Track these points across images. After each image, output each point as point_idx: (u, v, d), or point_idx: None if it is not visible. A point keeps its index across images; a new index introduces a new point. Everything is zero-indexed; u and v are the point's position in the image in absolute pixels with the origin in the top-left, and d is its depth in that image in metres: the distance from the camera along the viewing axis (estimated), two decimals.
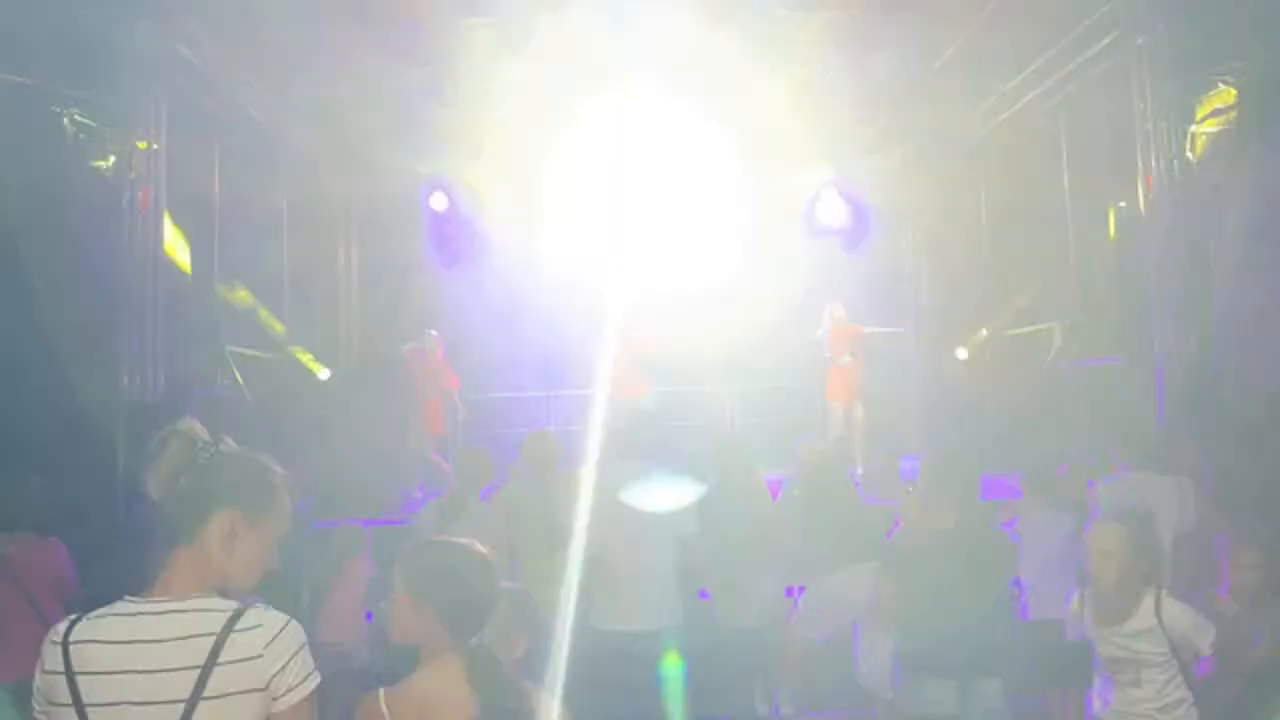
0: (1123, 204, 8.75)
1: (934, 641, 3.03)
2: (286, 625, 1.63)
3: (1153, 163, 7.94)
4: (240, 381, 9.26)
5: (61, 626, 1.62)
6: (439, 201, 12.68)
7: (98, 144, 7.26)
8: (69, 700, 1.54)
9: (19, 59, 7.45)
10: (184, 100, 8.25)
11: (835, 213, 13.20)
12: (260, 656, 1.59)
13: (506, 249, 12.59)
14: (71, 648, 1.58)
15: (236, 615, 1.61)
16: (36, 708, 1.61)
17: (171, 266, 7.66)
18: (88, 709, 1.53)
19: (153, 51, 7.46)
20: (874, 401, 12.13)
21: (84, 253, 6.99)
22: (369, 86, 9.73)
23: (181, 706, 1.53)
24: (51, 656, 1.59)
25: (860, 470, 9.15)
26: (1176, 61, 7.96)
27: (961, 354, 11.96)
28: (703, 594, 4.72)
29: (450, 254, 12.49)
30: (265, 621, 1.61)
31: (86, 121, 7.29)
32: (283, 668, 1.61)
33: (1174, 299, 7.78)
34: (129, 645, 1.57)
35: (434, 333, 9.69)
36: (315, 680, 1.64)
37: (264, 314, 10.65)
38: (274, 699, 1.60)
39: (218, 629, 1.58)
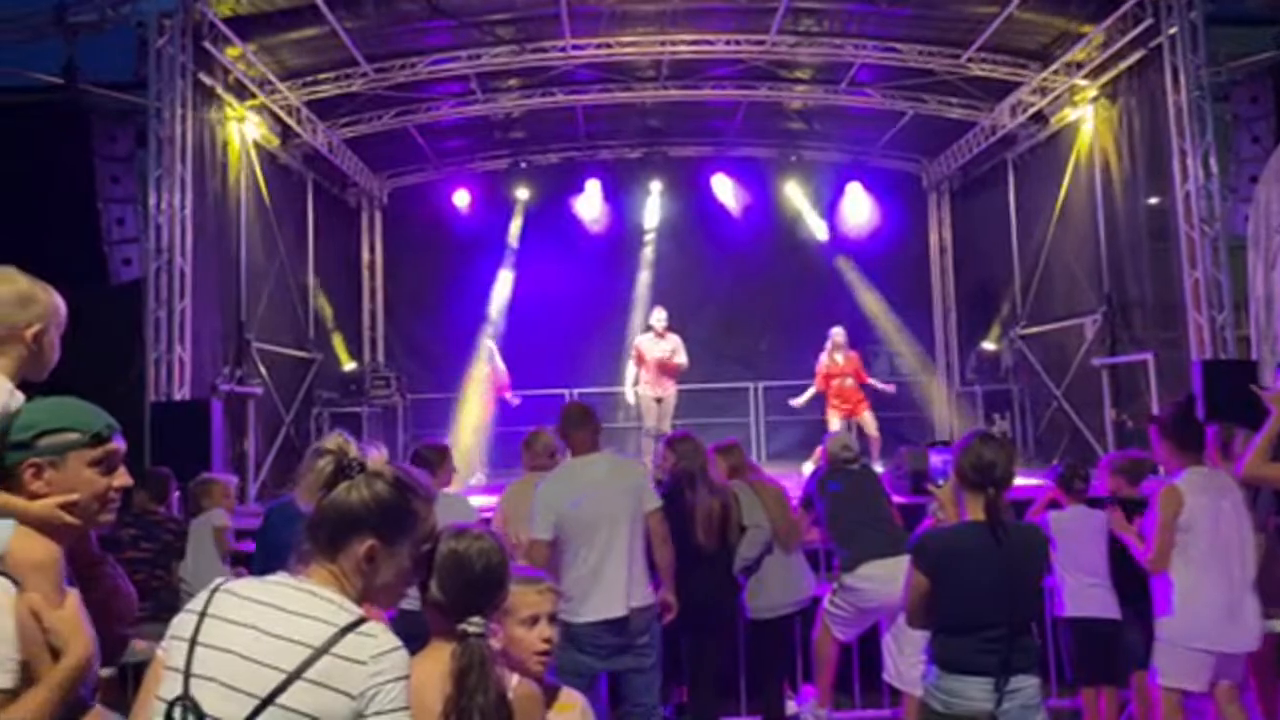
0: (1153, 200, 8.57)
1: (969, 638, 2.94)
2: (398, 649, 1.66)
3: (1187, 154, 7.78)
4: (265, 376, 9.29)
5: (222, 580, 1.74)
6: (461, 198, 12.75)
7: (124, 139, 7.30)
8: (188, 635, 1.63)
9: (52, 58, 7.56)
10: (210, 98, 8.32)
11: (860, 210, 13.13)
12: (364, 664, 1.60)
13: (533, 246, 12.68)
14: (216, 594, 1.68)
15: (361, 620, 1.66)
16: (162, 640, 1.69)
17: (199, 264, 7.69)
18: (198, 646, 1.61)
19: (177, 46, 7.48)
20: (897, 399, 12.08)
21: (110, 248, 7.04)
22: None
23: (281, 676, 1.57)
24: (200, 597, 1.70)
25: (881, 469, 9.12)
26: (1210, 51, 7.81)
27: (989, 346, 11.82)
28: (741, 581, 4.68)
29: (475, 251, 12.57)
30: (380, 635, 1.65)
31: (114, 116, 7.34)
32: (379, 685, 1.61)
33: (1209, 292, 7.62)
34: (261, 605, 1.65)
35: (489, 341, 9.91)
36: (404, 718, 1.63)
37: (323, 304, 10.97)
38: (360, 715, 1.59)
39: (340, 623, 1.63)
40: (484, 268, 12.50)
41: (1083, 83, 9.52)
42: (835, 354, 9.68)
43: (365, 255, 13.15)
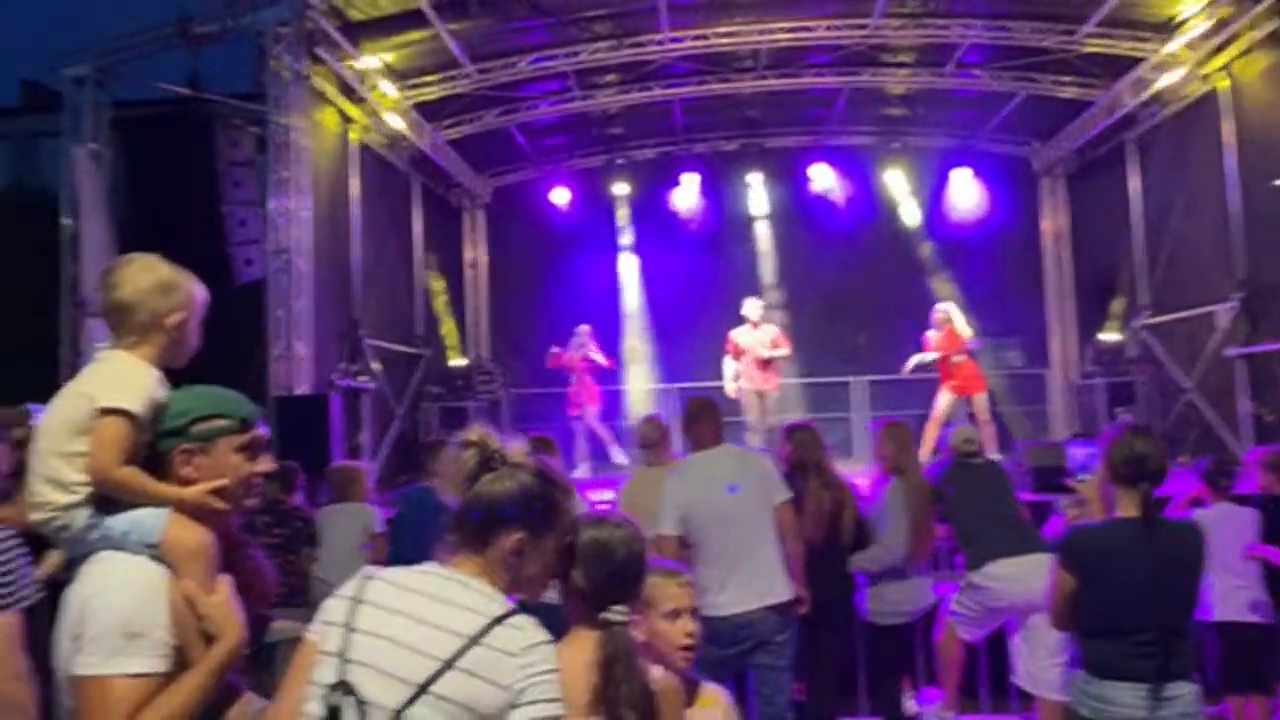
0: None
1: (1119, 641, 2.77)
2: (547, 642, 1.66)
3: None
4: (379, 372, 9.57)
5: (370, 568, 1.78)
6: (560, 196, 12.88)
7: (245, 144, 7.60)
8: (342, 621, 1.66)
9: (177, 70, 7.92)
10: (323, 104, 8.60)
11: (966, 196, 12.70)
12: (514, 655, 1.60)
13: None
14: (368, 581, 1.71)
15: (511, 612, 1.66)
16: (313, 623, 1.72)
17: (315, 263, 7.95)
18: (353, 632, 1.63)
19: (293, 54, 7.74)
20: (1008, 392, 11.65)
21: (234, 250, 7.34)
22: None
23: (435, 664, 1.58)
24: (351, 584, 1.73)
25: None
26: None
27: (1111, 336, 11.25)
28: (860, 582, 4.56)
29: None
30: (529, 628, 1.65)
31: (235, 123, 7.65)
32: (531, 677, 1.61)
33: None
34: (414, 594, 1.67)
35: (586, 327, 10.08)
36: (557, 710, 1.62)
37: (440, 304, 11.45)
38: (513, 706, 1.59)
39: (491, 613, 1.63)
40: (583, 264, 12.60)
41: (1211, 56, 8.95)
42: (935, 330, 9.43)
43: (469, 254, 13.44)
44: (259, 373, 7.34)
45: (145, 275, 2.01)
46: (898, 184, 12.69)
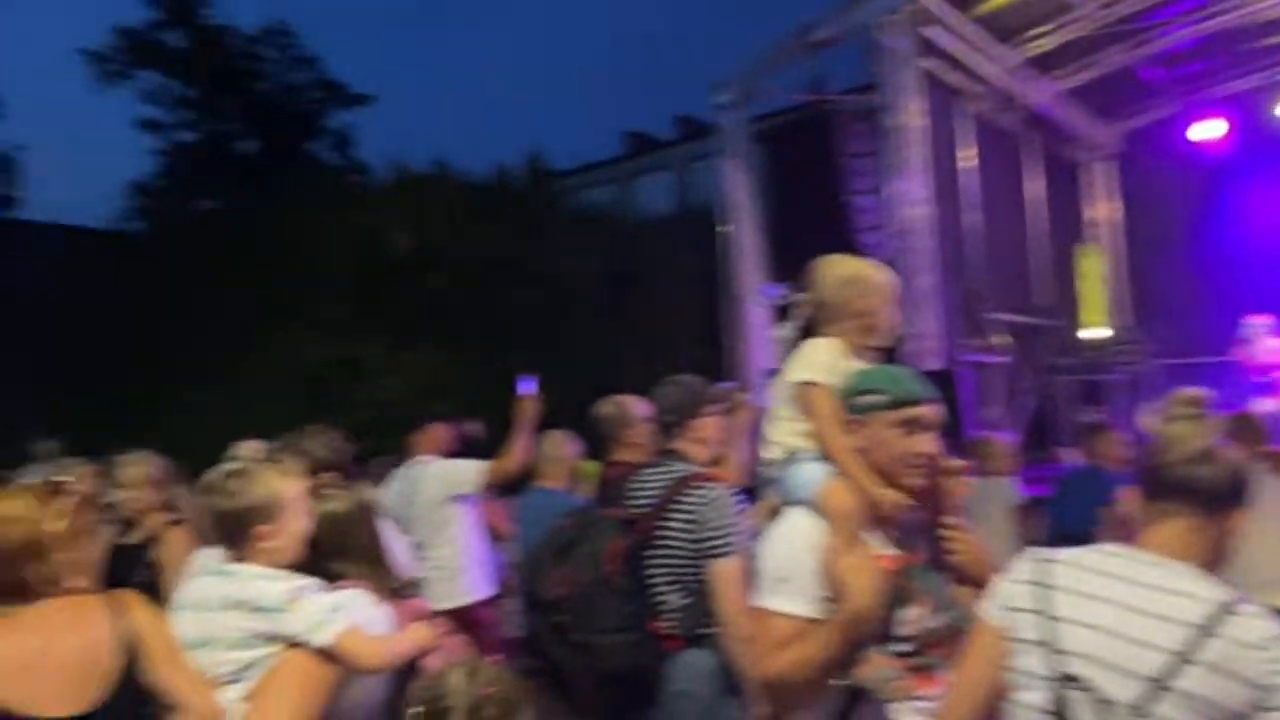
0: None
1: None
2: None
3: None
4: (1007, 344, 9.31)
5: (1041, 550, 1.74)
6: (1211, 129, 10.97)
7: (865, 135, 8.03)
8: (1033, 607, 1.62)
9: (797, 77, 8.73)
10: (934, 81, 8.64)
11: None
12: (1259, 649, 1.44)
13: None
14: (1051, 565, 1.65)
15: (1237, 600, 1.51)
16: (987, 606, 1.72)
17: (932, 240, 8.06)
18: (1056, 621, 1.58)
19: (901, 39, 7.91)
20: None
21: (859, 236, 7.81)
22: None
23: (1166, 657, 1.47)
24: (1024, 567, 1.70)
25: None
26: None
27: None
28: None
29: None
30: (1265, 618, 1.49)
31: (855, 117, 8.13)
32: None
33: None
34: (1111, 578, 1.58)
35: (1262, 318, 8.65)
36: None
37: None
38: (1263, 707, 1.43)
39: (1216, 599, 1.50)
40: (1245, 206, 10.57)
41: None
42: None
43: (1095, 212, 12.24)
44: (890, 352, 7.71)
45: (831, 273, 2.31)
46: None
